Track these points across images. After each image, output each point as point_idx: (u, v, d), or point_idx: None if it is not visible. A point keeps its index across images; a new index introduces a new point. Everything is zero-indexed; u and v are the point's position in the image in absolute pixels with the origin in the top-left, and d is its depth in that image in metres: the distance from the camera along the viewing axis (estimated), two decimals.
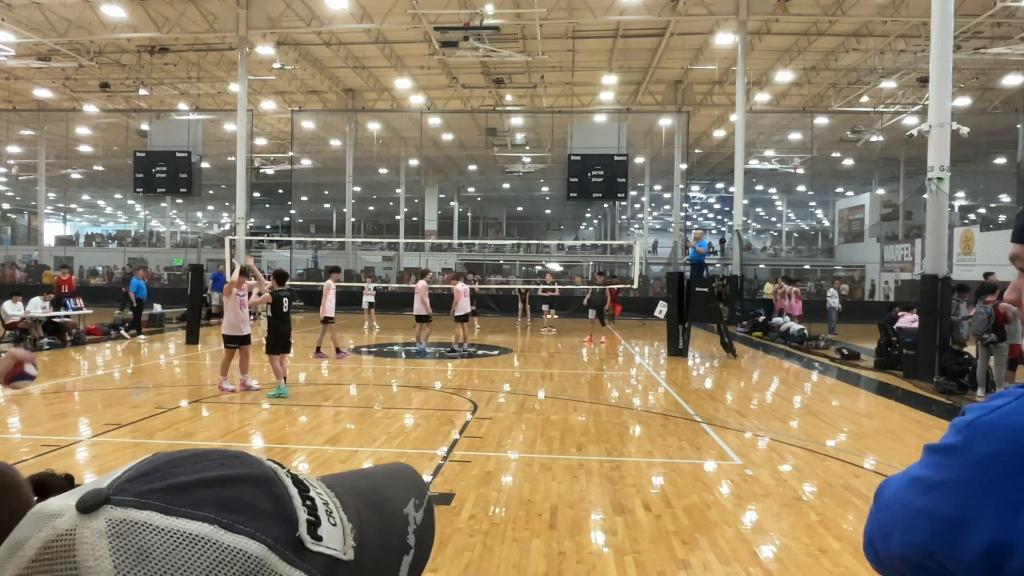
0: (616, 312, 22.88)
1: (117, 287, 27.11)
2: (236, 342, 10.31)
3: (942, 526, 0.78)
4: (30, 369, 2.84)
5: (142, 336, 18.05)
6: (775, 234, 59.84)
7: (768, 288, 25.06)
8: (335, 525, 0.51)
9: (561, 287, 26.73)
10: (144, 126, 31.06)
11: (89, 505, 0.43)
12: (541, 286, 24.45)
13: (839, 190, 47.18)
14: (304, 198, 48.53)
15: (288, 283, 10.77)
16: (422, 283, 15.67)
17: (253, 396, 10.01)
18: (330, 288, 14.17)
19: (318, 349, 14.24)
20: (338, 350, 14.32)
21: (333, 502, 0.53)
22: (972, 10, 20.64)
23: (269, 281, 10.61)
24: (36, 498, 1.08)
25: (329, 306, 14.10)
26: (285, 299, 10.16)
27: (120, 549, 0.41)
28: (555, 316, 22.83)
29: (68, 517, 0.43)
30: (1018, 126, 31.67)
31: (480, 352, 16.00)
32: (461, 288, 15.71)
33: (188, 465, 0.47)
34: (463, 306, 15.62)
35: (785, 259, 45.24)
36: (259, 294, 10.42)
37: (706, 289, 15.54)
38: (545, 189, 51.49)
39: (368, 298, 21.80)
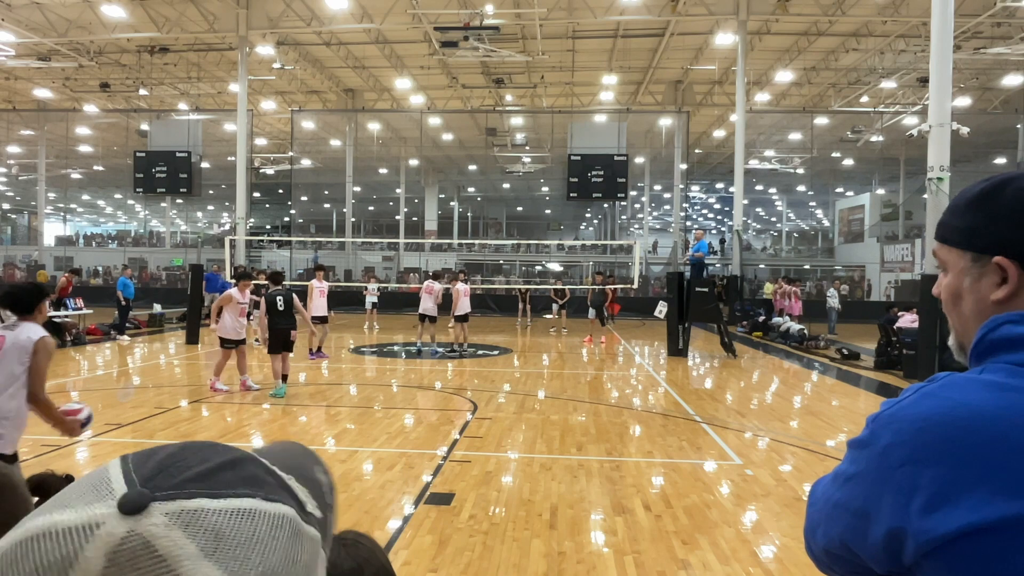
0: (614, 311, 22.86)
1: (115, 287, 27.09)
2: (232, 344, 10.41)
3: (853, 517, 0.83)
4: (82, 415, 3.79)
5: (136, 336, 18.03)
6: (775, 234, 59.83)
7: (768, 288, 25.07)
8: (303, 488, 0.56)
9: (570, 287, 26.51)
10: (144, 126, 31.03)
11: (138, 506, 0.44)
12: (552, 287, 24.00)
13: (839, 190, 47.16)
14: (304, 198, 48.51)
15: (285, 283, 10.82)
16: (438, 285, 15.56)
17: (254, 396, 10.02)
18: (313, 287, 14.13)
19: (319, 349, 14.21)
20: (312, 350, 14.08)
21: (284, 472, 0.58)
22: (972, 10, 20.63)
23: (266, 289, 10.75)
24: (36, 499, 1.08)
25: (315, 305, 13.99)
26: (279, 298, 10.12)
27: (196, 534, 0.44)
28: (560, 317, 22.63)
29: (114, 523, 0.44)
30: (1018, 126, 31.65)
31: (480, 352, 16.00)
32: (461, 288, 15.70)
33: (190, 456, 0.50)
34: (463, 306, 15.62)
35: (785, 259, 45.23)
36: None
37: (706, 289, 15.54)
38: (545, 189, 51.47)
39: (371, 298, 21.77)
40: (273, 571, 0.46)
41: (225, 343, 10.38)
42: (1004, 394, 0.78)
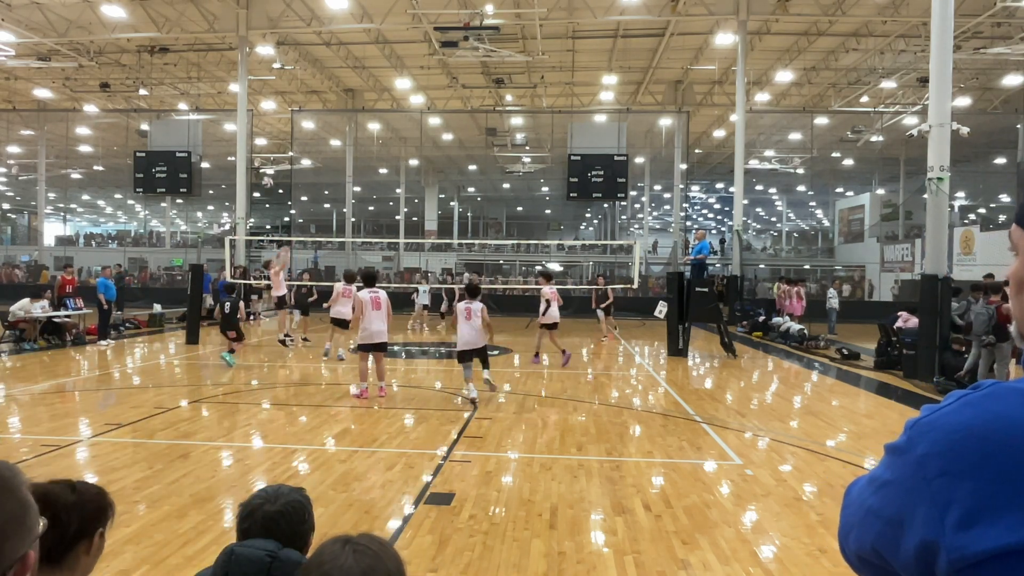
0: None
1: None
2: (370, 348, 10.07)
3: (886, 525, 0.80)
4: None
5: (136, 336, 18.01)
6: (775, 234, 59.81)
7: (774, 287, 25.06)
8: None
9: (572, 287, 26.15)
10: (144, 126, 31.04)
11: None
12: (594, 287, 22.22)
13: (839, 190, 47.14)
14: (304, 198, 48.49)
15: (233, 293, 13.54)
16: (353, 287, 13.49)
17: (253, 396, 10.03)
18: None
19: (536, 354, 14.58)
20: (537, 354, 14.65)
21: None
22: (972, 10, 20.62)
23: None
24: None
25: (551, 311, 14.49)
26: (227, 303, 13.15)
27: None
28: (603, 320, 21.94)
29: None
30: (1018, 126, 31.64)
31: None
32: (339, 287, 13.95)
33: None
34: (338, 309, 13.80)
35: (785, 259, 45.20)
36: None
37: (706, 289, 15.55)
38: (545, 189, 51.46)
39: (422, 300, 21.65)
40: None
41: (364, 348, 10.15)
42: None
